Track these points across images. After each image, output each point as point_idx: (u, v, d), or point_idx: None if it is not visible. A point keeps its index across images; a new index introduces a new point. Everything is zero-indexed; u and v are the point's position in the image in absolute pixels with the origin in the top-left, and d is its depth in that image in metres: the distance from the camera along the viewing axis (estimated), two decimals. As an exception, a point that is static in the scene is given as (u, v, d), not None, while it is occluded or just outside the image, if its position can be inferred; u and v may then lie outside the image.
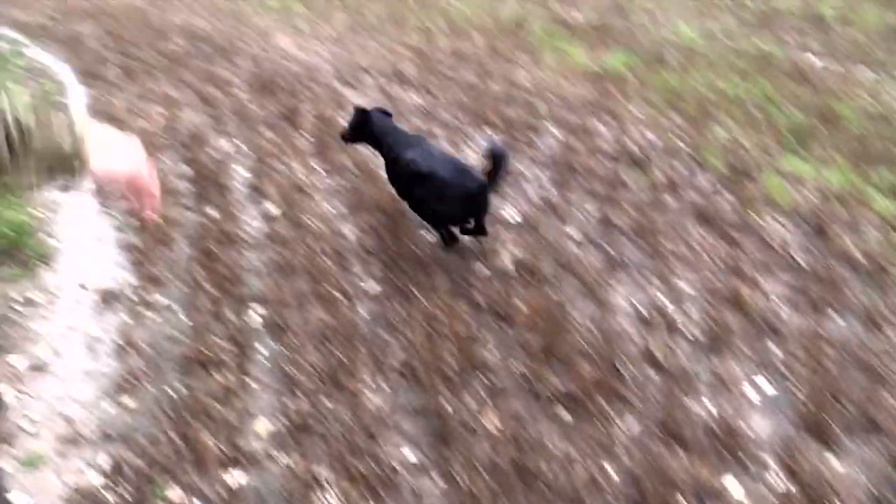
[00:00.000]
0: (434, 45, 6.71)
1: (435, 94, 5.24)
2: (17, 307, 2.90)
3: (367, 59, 6.35)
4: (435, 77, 5.68)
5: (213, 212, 3.61)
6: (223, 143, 4.53)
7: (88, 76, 6.58)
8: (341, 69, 6.10)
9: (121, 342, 2.67)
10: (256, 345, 2.65)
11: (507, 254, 3.15)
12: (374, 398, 2.37)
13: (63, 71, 6.47)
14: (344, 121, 4.52)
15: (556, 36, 6.75)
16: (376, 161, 3.58)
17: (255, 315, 2.81)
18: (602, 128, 4.47)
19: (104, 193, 3.78)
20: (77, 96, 5.75)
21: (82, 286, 3.05)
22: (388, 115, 3.41)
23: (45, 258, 3.24)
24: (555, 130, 4.45)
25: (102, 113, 5.32)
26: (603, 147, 4.20)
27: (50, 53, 7.88)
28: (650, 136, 4.34)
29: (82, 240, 3.44)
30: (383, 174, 3.33)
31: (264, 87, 5.46)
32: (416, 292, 2.86)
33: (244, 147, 4.47)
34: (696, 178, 3.84)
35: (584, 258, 3.11)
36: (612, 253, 3.16)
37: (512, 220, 3.43)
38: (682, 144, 4.19)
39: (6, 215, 3.41)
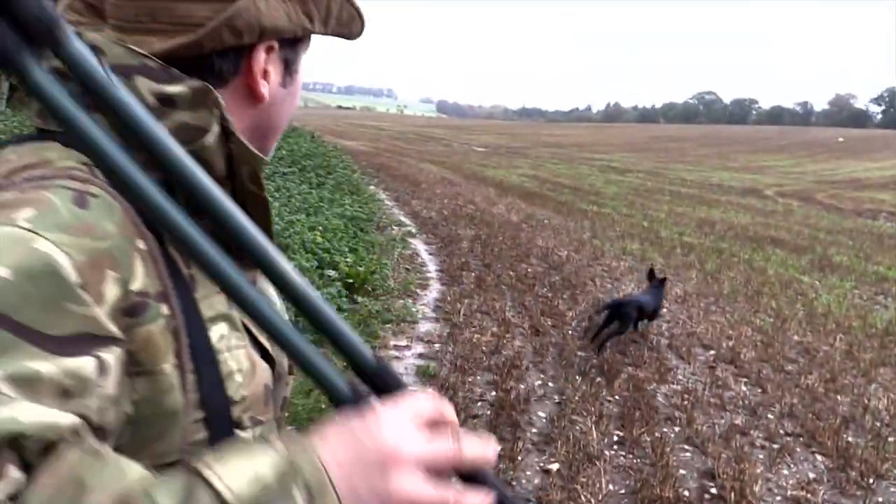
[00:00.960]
0: (783, 334, 6.27)
1: (767, 390, 4.82)
2: None
3: (705, 328, 6.16)
4: (773, 371, 5.25)
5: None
6: (532, 378, 4.67)
7: (449, 276, 7.42)
8: (675, 333, 6.00)
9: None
10: None
11: None
12: None
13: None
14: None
15: (935, 358, 5.85)
16: (678, 455, 3.34)
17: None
18: (968, 497, 3.63)
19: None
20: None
21: None
22: None
23: None
24: (904, 485, 3.73)
25: (445, 315, 5.91)
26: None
27: (429, 245, 9.12)
28: None
29: None
30: (682, 469, 3.09)
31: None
32: None
33: (550, 386, 4.54)
34: None
35: None
36: None
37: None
38: None
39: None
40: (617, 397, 4.47)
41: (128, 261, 0.58)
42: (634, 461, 3.69)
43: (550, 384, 4.64)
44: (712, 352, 5.59)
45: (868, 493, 3.56)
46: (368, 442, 0.55)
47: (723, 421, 4.25)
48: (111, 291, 0.56)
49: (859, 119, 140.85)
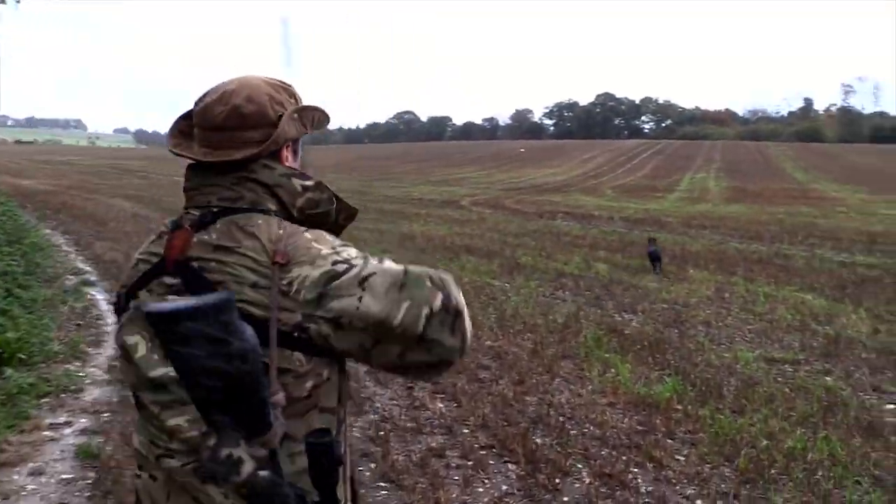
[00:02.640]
0: (476, 340, 6.48)
1: (462, 403, 4.86)
2: None
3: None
4: (468, 382, 5.34)
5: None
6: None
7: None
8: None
9: None
10: None
11: None
12: None
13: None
14: None
15: (605, 346, 6.43)
16: (373, 496, 3.09)
17: None
18: (638, 478, 3.90)
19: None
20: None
21: None
22: None
23: None
24: (584, 474, 3.91)
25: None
26: None
27: (111, 293, 8.02)
28: (690, 492, 3.75)
29: None
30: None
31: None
32: None
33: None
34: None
35: None
36: None
37: None
38: (730, 512, 3.58)
39: None
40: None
41: None
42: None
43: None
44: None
45: (555, 494, 3.66)
46: None
47: (420, 446, 4.15)
48: None
49: (536, 131, 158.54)
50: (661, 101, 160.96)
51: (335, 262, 1.23)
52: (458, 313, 1.20)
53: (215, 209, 1.30)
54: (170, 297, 1.27)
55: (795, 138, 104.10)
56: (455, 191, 32.67)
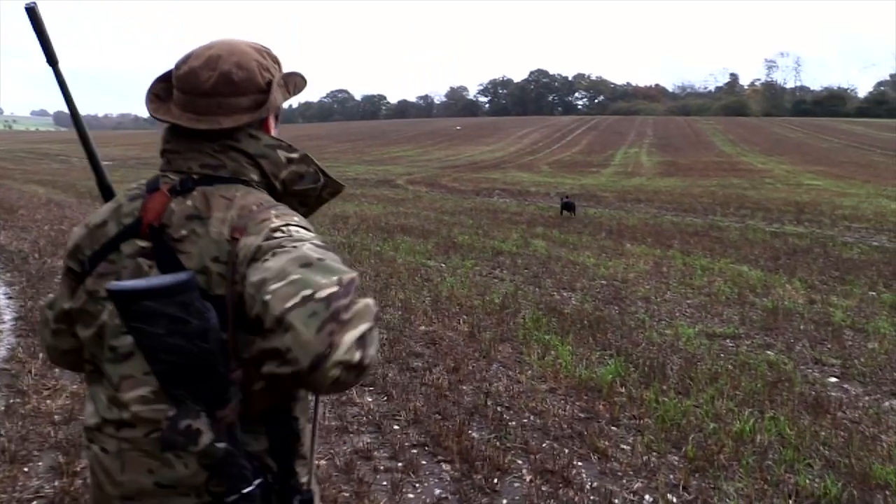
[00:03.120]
0: (409, 325, 6.12)
1: (392, 396, 4.49)
2: None
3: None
4: (399, 371, 4.97)
5: None
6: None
7: (29, 324, 5.96)
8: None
9: None
10: None
11: None
12: None
13: None
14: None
15: (544, 326, 6.15)
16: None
17: None
18: (583, 473, 3.60)
19: None
20: None
21: None
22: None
23: None
24: (525, 471, 3.59)
25: (9, 380, 4.56)
26: None
27: (11, 286, 7.32)
28: (638, 486, 3.48)
29: None
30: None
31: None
32: None
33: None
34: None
35: None
36: None
37: None
38: (680, 505, 3.32)
39: None
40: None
41: None
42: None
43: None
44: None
45: (493, 496, 3.34)
46: None
47: (345, 447, 3.77)
48: None
49: (472, 109, 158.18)
50: (593, 78, 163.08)
51: (274, 230, 1.19)
52: (338, 318, 1.02)
53: (196, 176, 1.28)
54: (140, 259, 1.26)
55: (723, 112, 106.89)
56: (391, 169, 32.09)
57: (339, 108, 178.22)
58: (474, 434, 3.97)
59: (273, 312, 1.01)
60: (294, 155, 1.34)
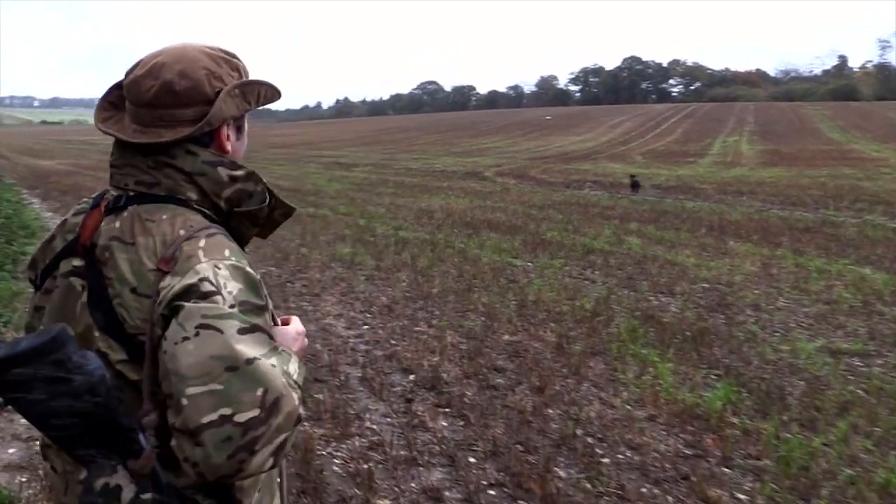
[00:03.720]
0: (492, 334, 5.64)
1: (470, 420, 4.03)
2: None
3: (408, 344, 5.32)
4: (478, 391, 4.50)
5: None
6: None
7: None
8: (374, 357, 5.08)
9: None
10: None
11: None
12: None
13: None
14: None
15: (641, 338, 5.54)
16: None
17: None
18: (689, 528, 3.04)
19: None
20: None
21: None
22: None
23: None
24: (620, 523, 3.06)
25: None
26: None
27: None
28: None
29: None
30: None
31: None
32: None
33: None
34: None
35: None
36: None
37: None
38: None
39: None
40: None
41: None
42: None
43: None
44: (412, 376, 4.73)
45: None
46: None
47: (413, 485, 3.33)
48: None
49: (562, 98, 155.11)
50: (689, 64, 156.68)
51: (201, 280, 1.08)
52: (252, 448, 1.00)
53: (131, 193, 1.22)
54: (72, 279, 1.21)
55: (830, 97, 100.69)
56: (479, 161, 31.61)
57: (429, 99, 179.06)
58: (561, 472, 3.45)
59: (187, 423, 0.99)
60: (238, 173, 1.23)
